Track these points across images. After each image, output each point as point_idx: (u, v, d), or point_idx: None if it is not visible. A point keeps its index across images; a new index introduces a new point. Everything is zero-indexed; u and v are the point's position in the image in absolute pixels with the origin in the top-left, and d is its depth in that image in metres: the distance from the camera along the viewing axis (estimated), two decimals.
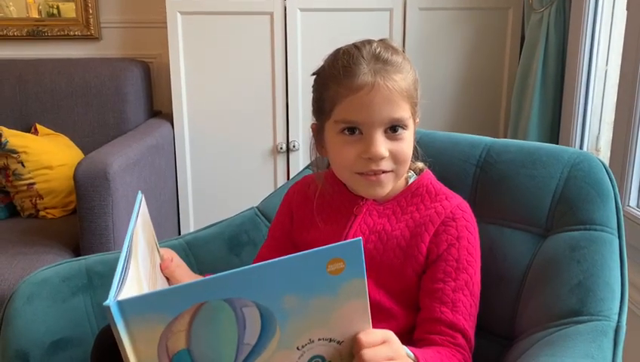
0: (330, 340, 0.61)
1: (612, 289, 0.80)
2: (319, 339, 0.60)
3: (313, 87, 0.87)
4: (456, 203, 0.87)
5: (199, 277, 0.88)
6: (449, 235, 0.83)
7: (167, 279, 0.82)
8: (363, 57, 0.80)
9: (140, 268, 0.67)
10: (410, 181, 0.89)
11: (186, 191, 2.10)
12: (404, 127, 0.81)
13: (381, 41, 0.84)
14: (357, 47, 0.82)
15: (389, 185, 0.84)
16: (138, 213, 0.73)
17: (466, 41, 2.03)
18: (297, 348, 0.60)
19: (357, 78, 0.79)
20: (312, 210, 0.93)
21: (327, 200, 0.92)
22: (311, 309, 0.58)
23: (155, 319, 0.54)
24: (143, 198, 0.77)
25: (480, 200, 0.98)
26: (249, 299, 0.56)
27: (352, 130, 0.81)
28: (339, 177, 0.89)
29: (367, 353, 0.60)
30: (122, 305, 0.52)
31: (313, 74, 0.87)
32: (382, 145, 0.80)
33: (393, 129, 0.81)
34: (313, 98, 0.88)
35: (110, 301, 0.52)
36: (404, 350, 0.69)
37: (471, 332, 0.81)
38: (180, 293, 0.55)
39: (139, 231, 0.71)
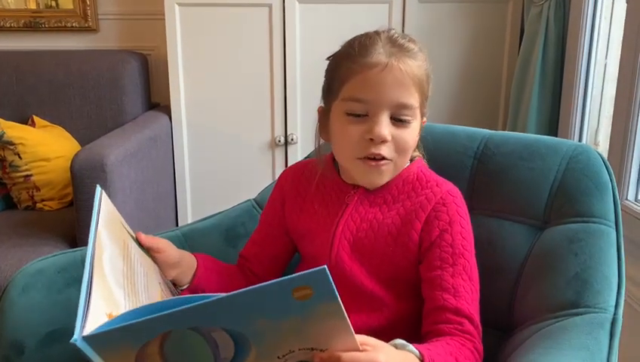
0: (312, 349, 0.60)
1: (609, 282, 0.80)
2: (300, 349, 0.59)
3: (326, 70, 0.87)
4: (447, 189, 0.86)
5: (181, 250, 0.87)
6: (441, 221, 0.82)
7: (151, 250, 0.81)
8: (380, 39, 0.81)
9: (109, 277, 0.64)
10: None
11: (184, 183, 2.10)
12: (410, 115, 0.81)
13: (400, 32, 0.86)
14: (375, 31, 0.83)
15: (388, 175, 0.84)
16: (99, 211, 0.69)
17: (465, 34, 2.02)
18: (278, 357, 0.59)
19: (371, 57, 0.79)
20: (303, 195, 0.92)
21: (319, 188, 0.92)
22: (284, 329, 0.56)
23: (125, 346, 0.54)
24: (103, 192, 0.72)
25: (478, 192, 0.97)
26: (216, 326, 0.54)
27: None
28: (340, 162, 0.89)
29: None
30: (88, 340, 0.53)
31: (328, 57, 0.87)
32: (386, 127, 0.79)
33: (399, 115, 0.80)
34: (324, 82, 0.88)
35: (76, 337, 0.52)
36: (411, 348, 0.67)
37: (476, 317, 0.80)
38: (141, 327, 0.53)
39: (102, 233, 0.67)
